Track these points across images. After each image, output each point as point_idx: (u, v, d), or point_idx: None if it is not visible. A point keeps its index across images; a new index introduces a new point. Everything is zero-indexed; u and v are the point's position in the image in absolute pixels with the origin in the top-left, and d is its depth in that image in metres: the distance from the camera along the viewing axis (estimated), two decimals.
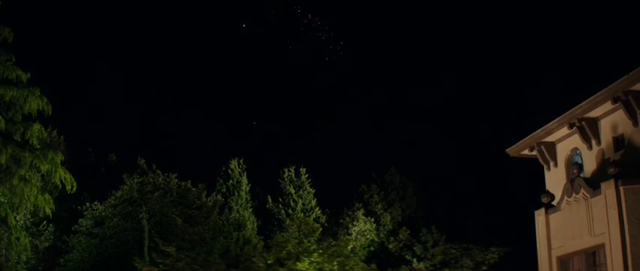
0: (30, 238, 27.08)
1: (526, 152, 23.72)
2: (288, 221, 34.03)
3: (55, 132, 32.83)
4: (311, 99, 55.94)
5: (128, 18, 58.53)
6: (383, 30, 59.74)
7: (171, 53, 58.24)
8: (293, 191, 36.66)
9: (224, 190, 36.21)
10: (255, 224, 34.52)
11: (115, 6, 59.17)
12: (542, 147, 22.81)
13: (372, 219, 35.53)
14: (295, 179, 37.07)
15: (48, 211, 23.96)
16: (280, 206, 36.39)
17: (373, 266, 28.22)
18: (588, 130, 20.79)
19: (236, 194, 35.91)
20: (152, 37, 58.58)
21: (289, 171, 37.26)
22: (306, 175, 37.12)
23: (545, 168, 23.21)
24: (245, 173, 36.77)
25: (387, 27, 60.56)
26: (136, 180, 33.81)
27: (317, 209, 36.55)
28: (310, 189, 36.93)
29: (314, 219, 34.58)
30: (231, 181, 36.46)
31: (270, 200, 36.78)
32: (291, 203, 36.33)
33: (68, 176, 23.48)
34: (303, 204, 36.36)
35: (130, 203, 33.11)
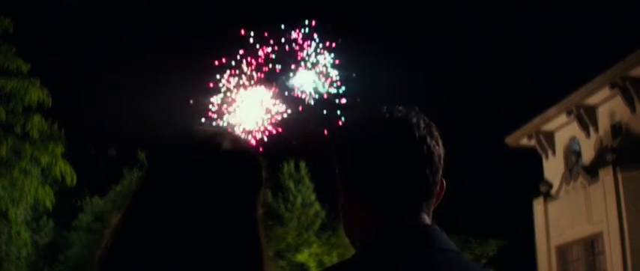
0: (30, 233, 27.11)
1: (525, 141, 23.78)
2: (287, 215, 34.10)
3: (55, 127, 32.86)
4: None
5: (128, 12, 58.60)
6: (375, 21, 59.79)
7: (172, 49, 58.26)
8: (292, 185, 36.70)
9: None
10: None
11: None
12: (541, 135, 22.89)
13: None
14: (294, 173, 37.12)
15: (48, 204, 23.92)
16: (280, 200, 36.44)
17: None
18: (586, 118, 20.87)
19: None
20: (153, 31, 58.63)
21: (288, 165, 37.31)
22: (306, 169, 37.16)
23: (543, 157, 23.28)
24: None
25: (381, 19, 60.59)
26: (136, 174, 33.84)
27: (316, 203, 36.60)
28: (309, 184, 36.98)
29: (314, 214, 34.66)
30: None
31: (269, 194, 36.83)
32: (291, 197, 36.38)
33: (68, 168, 23.44)
34: (303, 199, 36.43)
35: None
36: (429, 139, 1.50)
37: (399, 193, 1.48)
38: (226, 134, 1.55)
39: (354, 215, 1.54)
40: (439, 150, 1.52)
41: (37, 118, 21.23)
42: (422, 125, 1.51)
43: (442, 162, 1.53)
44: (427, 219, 1.50)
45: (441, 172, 1.53)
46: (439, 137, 1.54)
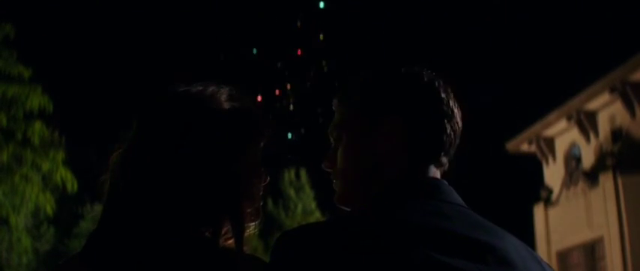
0: (31, 240, 27.10)
1: (525, 147, 23.81)
2: (288, 222, 34.10)
3: (56, 134, 32.86)
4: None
5: (131, 15, 58.68)
6: (373, 23, 59.80)
7: (174, 52, 58.32)
8: (293, 193, 36.71)
9: None
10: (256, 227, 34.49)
11: (118, 3, 59.29)
12: (541, 141, 22.93)
13: None
14: (295, 181, 37.13)
15: (49, 210, 23.83)
16: (280, 208, 36.43)
17: None
18: (586, 123, 20.89)
19: None
20: (155, 34, 58.72)
21: (289, 172, 37.32)
22: (307, 177, 37.18)
23: (543, 162, 23.31)
24: None
25: (379, 20, 60.62)
26: None
27: (317, 211, 36.60)
28: (310, 191, 36.98)
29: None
30: None
31: (270, 202, 36.79)
32: (291, 205, 36.37)
33: (69, 175, 23.41)
34: (304, 206, 36.43)
35: None
36: (452, 101, 1.52)
37: (419, 147, 1.48)
38: (223, 90, 1.58)
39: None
40: (458, 111, 1.53)
41: (38, 124, 21.20)
42: (444, 86, 1.52)
43: (461, 124, 1.54)
44: (437, 174, 1.50)
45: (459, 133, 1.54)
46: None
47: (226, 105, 1.54)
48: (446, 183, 1.48)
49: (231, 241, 1.51)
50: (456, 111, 1.52)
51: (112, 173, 1.56)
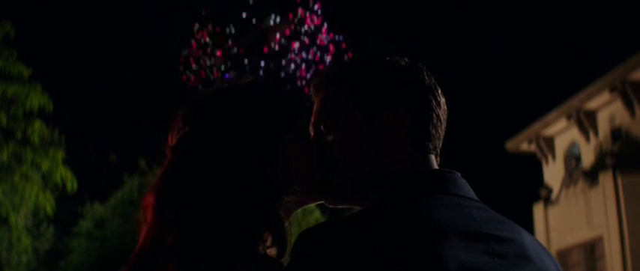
0: (31, 239, 27.11)
1: (525, 146, 23.83)
2: (287, 223, 34.17)
3: (56, 133, 32.88)
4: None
5: (131, 15, 58.70)
6: (374, 20, 59.82)
7: (174, 51, 58.25)
8: None
9: None
10: None
11: (118, 3, 59.31)
12: (541, 140, 22.95)
13: None
14: None
15: (49, 209, 23.84)
16: None
17: None
18: (586, 122, 20.91)
19: None
20: (154, 35, 58.70)
21: None
22: None
23: (543, 162, 23.33)
24: None
25: (378, 17, 60.65)
26: (136, 181, 33.87)
27: (317, 210, 36.59)
28: None
29: (315, 221, 34.66)
30: None
31: None
32: None
33: (69, 174, 23.43)
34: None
35: (131, 204, 33.19)
36: (441, 90, 1.50)
37: (422, 139, 1.46)
38: (253, 81, 1.53)
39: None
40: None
41: (37, 123, 21.21)
42: (431, 75, 1.50)
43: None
44: (436, 165, 1.47)
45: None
46: None
47: (256, 98, 1.47)
48: (459, 174, 1.44)
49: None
50: (444, 100, 1.50)
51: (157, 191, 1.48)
